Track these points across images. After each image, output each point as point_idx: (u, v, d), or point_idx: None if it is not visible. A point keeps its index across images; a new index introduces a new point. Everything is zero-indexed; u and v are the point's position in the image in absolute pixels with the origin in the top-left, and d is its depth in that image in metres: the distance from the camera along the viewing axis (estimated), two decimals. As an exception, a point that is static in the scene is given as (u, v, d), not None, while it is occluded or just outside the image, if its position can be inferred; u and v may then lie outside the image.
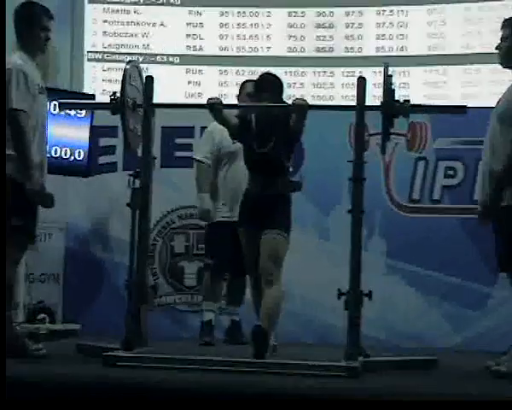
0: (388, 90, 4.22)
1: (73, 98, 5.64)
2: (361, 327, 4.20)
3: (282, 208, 4.48)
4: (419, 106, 4.44)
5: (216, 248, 5.41)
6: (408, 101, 4.27)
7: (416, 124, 5.84)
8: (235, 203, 5.20)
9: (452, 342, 5.76)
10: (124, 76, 4.43)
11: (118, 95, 4.42)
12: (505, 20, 4.41)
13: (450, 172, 5.95)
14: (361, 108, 4.29)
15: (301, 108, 4.35)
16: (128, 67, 4.51)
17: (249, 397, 3.46)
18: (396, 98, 4.25)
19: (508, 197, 4.18)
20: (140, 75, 4.61)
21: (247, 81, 5.50)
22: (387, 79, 4.23)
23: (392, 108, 4.22)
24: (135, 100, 4.50)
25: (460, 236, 5.79)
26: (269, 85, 4.50)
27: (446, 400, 3.40)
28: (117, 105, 4.40)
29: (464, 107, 4.39)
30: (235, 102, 5.40)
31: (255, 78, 4.77)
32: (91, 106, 5.55)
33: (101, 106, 4.91)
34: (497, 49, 4.41)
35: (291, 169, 4.66)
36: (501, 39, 4.38)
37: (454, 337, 5.79)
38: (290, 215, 4.52)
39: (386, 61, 4.33)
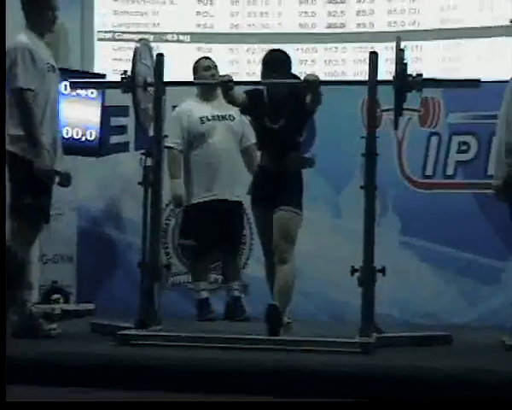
0: (401, 64, 4.18)
1: (84, 78, 5.62)
2: (374, 304, 4.19)
3: (295, 185, 4.46)
4: (432, 80, 4.40)
5: (196, 230, 5.41)
6: (421, 75, 4.23)
7: (428, 99, 5.79)
8: (211, 183, 5.32)
9: (467, 318, 5.73)
10: (134, 54, 4.42)
11: (129, 73, 4.41)
12: None
13: (464, 148, 5.91)
14: (373, 82, 4.25)
15: (313, 83, 4.32)
16: (138, 45, 4.50)
17: (263, 374, 3.47)
18: (408, 72, 4.22)
19: None
20: (150, 53, 4.60)
21: (201, 58, 5.59)
22: (400, 53, 4.19)
23: (405, 82, 4.19)
24: (145, 78, 4.49)
25: (474, 211, 5.75)
26: (277, 63, 4.44)
27: (461, 374, 3.40)
28: (128, 83, 4.39)
29: (478, 81, 4.34)
30: (247, 79, 5.40)
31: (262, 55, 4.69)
32: (102, 85, 5.54)
33: (112, 85, 4.89)
34: (511, 22, 4.37)
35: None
36: None
37: (468, 313, 5.76)
38: (302, 191, 4.50)
39: (398, 35, 4.29)
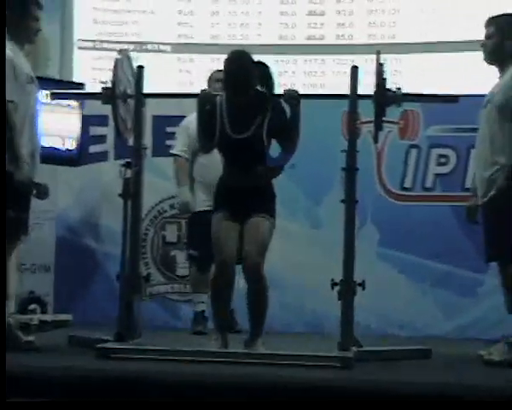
0: (380, 78, 4.20)
1: (63, 87, 5.61)
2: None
3: (266, 194, 4.25)
4: (411, 95, 4.42)
5: (200, 240, 5.29)
6: (400, 89, 4.26)
7: (408, 111, 5.83)
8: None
9: (444, 329, 5.77)
10: (115, 65, 4.40)
11: (109, 85, 4.39)
12: (489, 19, 4.45)
13: (443, 160, 5.95)
14: (354, 97, 4.27)
15: (292, 97, 4.28)
16: (119, 56, 4.48)
17: (242, 388, 3.46)
18: (388, 87, 4.24)
19: None
20: (131, 64, 4.57)
21: (215, 70, 5.49)
22: (379, 68, 4.21)
23: (385, 97, 4.21)
24: (126, 90, 4.47)
25: (452, 224, 5.78)
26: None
27: (440, 389, 3.41)
28: (108, 95, 4.37)
29: (456, 96, 4.39)
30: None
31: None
32: (83, 96, 5.52)
33: (93, 96, 4.88)
34: (482, 46, 4.43)
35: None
36: (485, 37, 4.42)
37: (446, 325, 5.80)
38: (275, 200, 4.27)
39: (378, 49, 4.31)
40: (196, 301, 5.50)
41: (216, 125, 4.25)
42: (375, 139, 4.43)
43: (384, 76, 4.21)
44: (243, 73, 4.13)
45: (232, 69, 4.16)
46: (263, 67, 4.29)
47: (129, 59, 4.58)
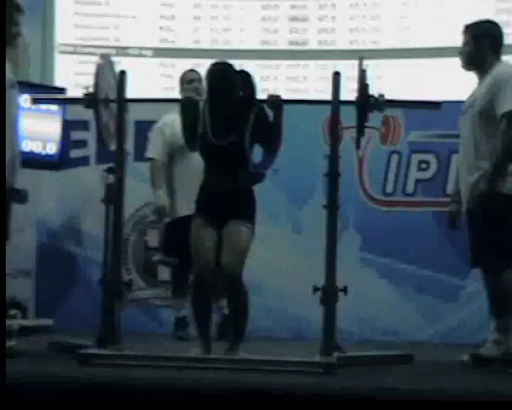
0: (363, 85, 4.21)
1: (44, 92, 5.59)
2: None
3: (246, 203, 4.25)
4: (393, 101, 4.44)
5: (179, 246, 5.16)
6: (382, 95, 4.26)
7: (389, 117, 5.84)
8: (193, 198, 5.21)
9: (426, 334, 5.79)
10: (96, 70, 4.38)
11: (90, 89, 4.38)
12: (466, 26, 4.50)
13: (424, 166, 5.97)
14: (336, 102, 4.27)
15: (275, 103, 4.29)
16: (101, 61, 4.46)
17: (224, 394, 3.45)
18: (370, 93, 4.25)
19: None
20: (113, 69, 4.56)
21: (186, 70, 5.55)
22: (362, 74, 4.22)
23: (367, 103, 4.22)
24: (108, 94, 4.46)
25: (433, 229, 5.80)
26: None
27: (423, 394, 3.42)
28: (90, 100, 4.36)
29: (439, 103, 4.41)
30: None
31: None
32: (64, 101, 5.50)
33: (75, 101, 4.86)
34: (459, 53, 4.47)
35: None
36: (463, 44, 4.46)
37: (427, 330, 5.82)
38: (255, 207, 4.28)
39: (361, 55, 4.32)
40: (178, 307, 5.47)
41: (199, 131, 4.25)
42: (358, 145, 4.45)
43: (366, 82, 4.22)
44: (226, 87, 4.14)
45: (215, 83, 4.16)
46: (245, 75, 4.28)
47: (111, 64, 4.57)
